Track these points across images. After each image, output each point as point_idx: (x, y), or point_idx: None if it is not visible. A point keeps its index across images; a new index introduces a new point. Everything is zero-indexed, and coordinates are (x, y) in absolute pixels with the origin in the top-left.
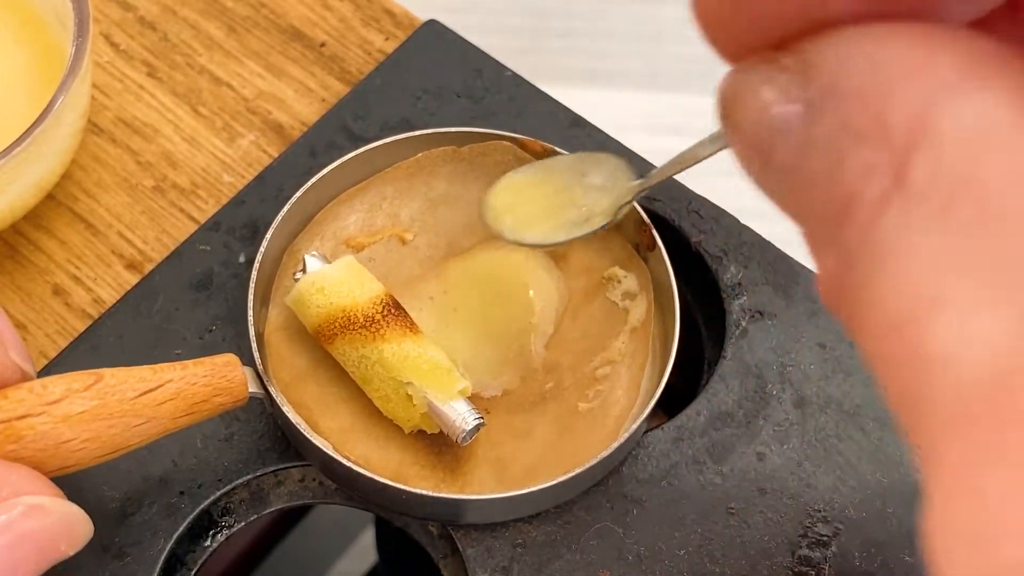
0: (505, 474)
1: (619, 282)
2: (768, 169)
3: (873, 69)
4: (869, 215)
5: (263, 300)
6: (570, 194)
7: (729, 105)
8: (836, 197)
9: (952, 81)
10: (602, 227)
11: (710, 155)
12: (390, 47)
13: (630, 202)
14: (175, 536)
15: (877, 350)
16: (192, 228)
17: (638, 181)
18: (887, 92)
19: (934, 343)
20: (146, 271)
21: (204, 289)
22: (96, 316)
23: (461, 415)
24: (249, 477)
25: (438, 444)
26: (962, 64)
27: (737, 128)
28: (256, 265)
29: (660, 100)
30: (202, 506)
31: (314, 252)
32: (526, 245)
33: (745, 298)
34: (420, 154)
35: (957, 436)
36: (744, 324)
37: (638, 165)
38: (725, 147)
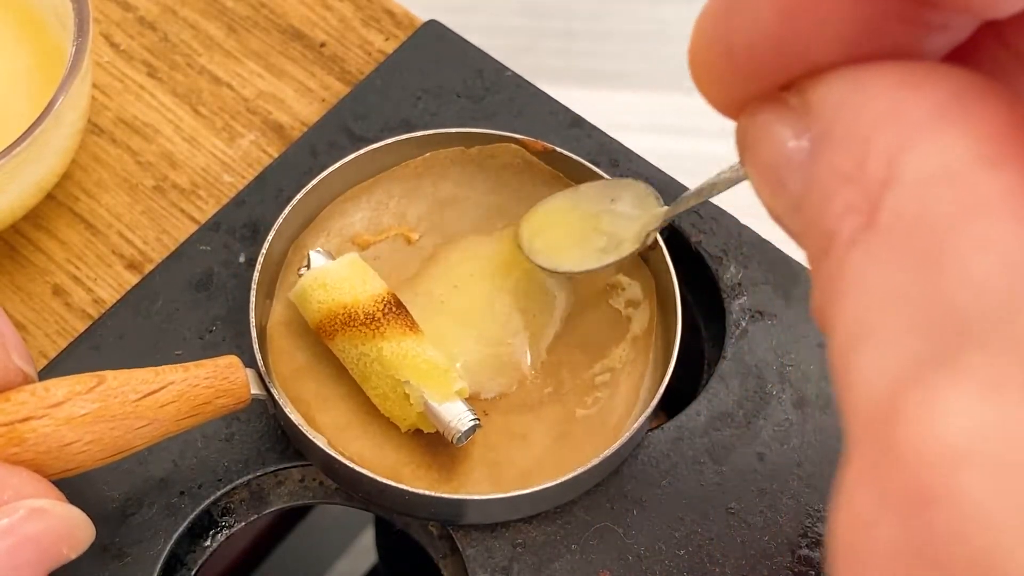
0: (500, 477)
1: (623, 289)
2: (778, 200)
3: (857, 113)
4: (842, 252)
5: (267, 294)
6: (599, 220)
7: (746, 141)
8: (823, 232)
9: (923, 123)
10: (630, 254)
11: (731, 185)
12: (390, 47)
13: (656, 229)
14: (175, 536)
15: (833, 375)
16: (192, 228)
17: (664, 208)
18: (867, 136)
19: (853, 372)
20: (146, 271)
21: (204, 289)
22: (96, 316)
23: (457, 415)
24: (249, 477)
25: (434, 444)
26: (934, 105)
27: (754, 163)
28: (261, 258)
29: (660, 100)
30: (202, 506)
31: (319, 248)
32: (560, 273)
33: (745, 298)
34: (428, 154)
35: (849, 455)
36: (744, 324)
37: (667, 188)
38: (744, 178)
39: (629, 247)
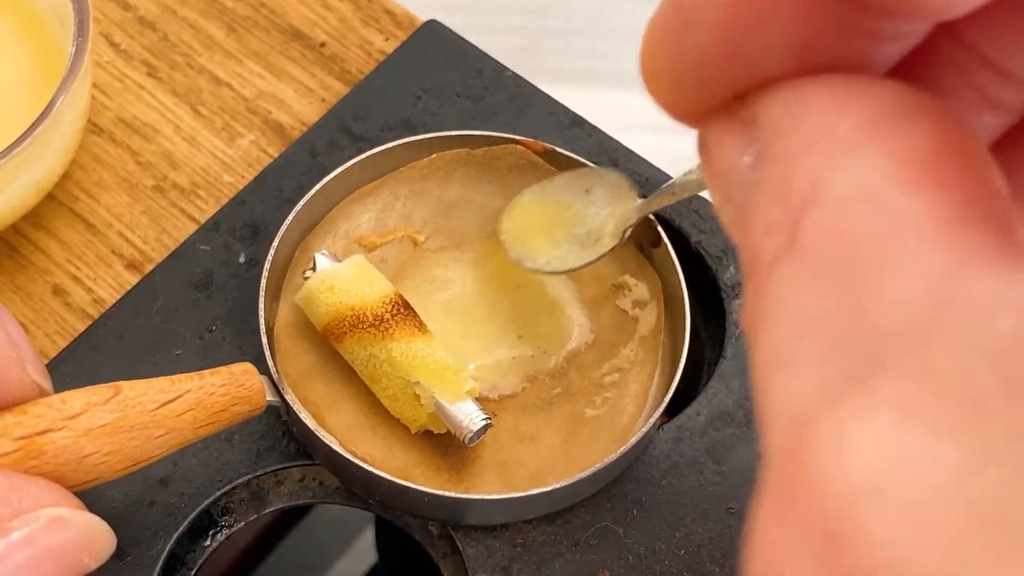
0: (510, 477)
1: (630, 290)
2: (725, 212)
3: (791, 130)
4: (765, 271)
5: (273, 296)
6: (574, 213)
7: (703, 150)
8: (750, 250)
9: (848, 142)
10: (610, 250)
11: (703, 186)
12: (390, 47)
13: (635, 224)
14: (175, 536)
15: (755, 400)
16: (192, 228)
17: (640, 202)
18: (796, 155)
19: (769, 397)
20: (146, 271)
21: (204, 289)
22: (96, 316)
23: (468, 416)
24: (249, 477)
25: (444, 445)
26: (863, 124)
27: (709, 172)
28: (268, 262)
29: None
30: (202, 506)
31: (325, 251)
32: (544, 273)
33: None
34: (434, 155)
35: (764, 485)
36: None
37: (642, 170)
38: None
39: (608, 243)
